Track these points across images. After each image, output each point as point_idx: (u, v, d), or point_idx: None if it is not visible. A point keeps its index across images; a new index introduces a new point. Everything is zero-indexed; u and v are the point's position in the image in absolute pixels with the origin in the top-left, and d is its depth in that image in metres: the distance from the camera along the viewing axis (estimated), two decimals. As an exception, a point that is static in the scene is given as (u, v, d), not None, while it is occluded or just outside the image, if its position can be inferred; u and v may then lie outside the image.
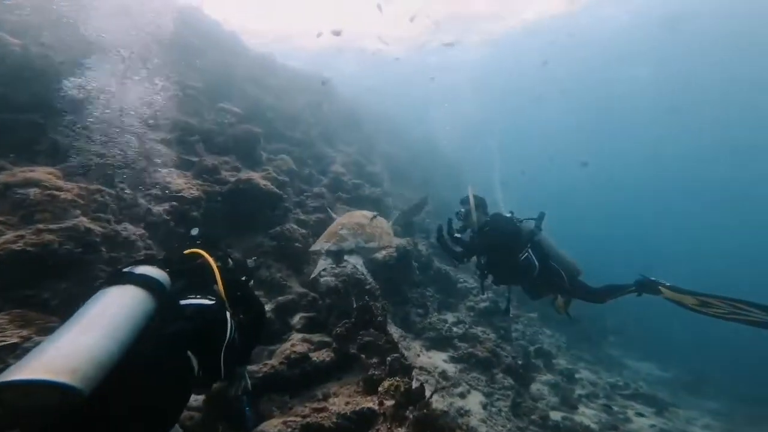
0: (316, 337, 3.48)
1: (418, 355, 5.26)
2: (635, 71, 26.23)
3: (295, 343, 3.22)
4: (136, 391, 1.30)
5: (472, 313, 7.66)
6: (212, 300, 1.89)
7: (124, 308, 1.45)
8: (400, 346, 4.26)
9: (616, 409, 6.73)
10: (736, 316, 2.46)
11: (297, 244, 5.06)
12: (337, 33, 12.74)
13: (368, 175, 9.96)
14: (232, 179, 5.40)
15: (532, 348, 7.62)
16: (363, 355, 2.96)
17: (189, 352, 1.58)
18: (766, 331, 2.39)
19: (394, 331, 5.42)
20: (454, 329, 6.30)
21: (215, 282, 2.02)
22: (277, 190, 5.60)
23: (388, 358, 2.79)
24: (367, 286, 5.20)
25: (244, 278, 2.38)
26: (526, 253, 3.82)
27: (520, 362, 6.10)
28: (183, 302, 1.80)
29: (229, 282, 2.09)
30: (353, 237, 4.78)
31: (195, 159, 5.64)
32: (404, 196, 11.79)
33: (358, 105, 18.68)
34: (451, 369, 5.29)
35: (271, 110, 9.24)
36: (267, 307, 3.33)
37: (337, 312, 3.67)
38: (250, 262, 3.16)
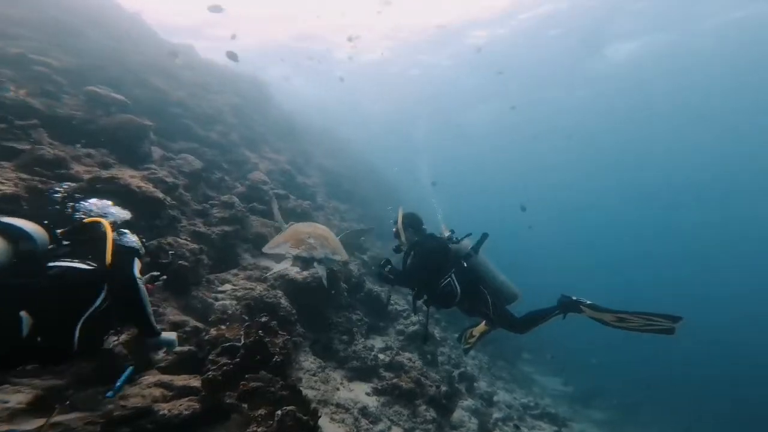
0: (181, 380, 2.66)
1: (338, 389, 4.78)
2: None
3: (142, 389, 2.41)
4: None
5: (401, 337, 7.41)
6: (90, 266, 1.72)
7: None
8: (305, 392, 3.79)
9: (525, 431, 6.90)
10: (649, 327, 2.75)
11: (182, 262, 4.09)
12: (215, 8, 10.42)
13: (298, 186, 9.34)
14: (87, 176, 4.24)
15: (456, 372, 7.57)
16: (245, 406, 2.33)
17: (23, 312, 1.41)
18: (671, 336, 2.75)
19: (312, 361, 4.89)
20: (381, 357, 5.95)
21: (104, 252, 1.84)
22: (161, 195, 4.51)
23: (279, 412, 2.18)
24: (281, 312, 4.66)
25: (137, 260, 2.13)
26: (448, 278, 3.56)
27: (444, 389, 5.92)
28: (52, 263, 1.65)
29: (120, 256, 1.94)
30: (321, 248, 4.62)
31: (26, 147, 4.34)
32: (339, 210, 11.37)
33: (298, 115, 18.00)
34: (372, 403, 4.89)
35: (180, 106, 8.18)
36: (124, 338, 2.52)
37: (224, 347, 2.93)
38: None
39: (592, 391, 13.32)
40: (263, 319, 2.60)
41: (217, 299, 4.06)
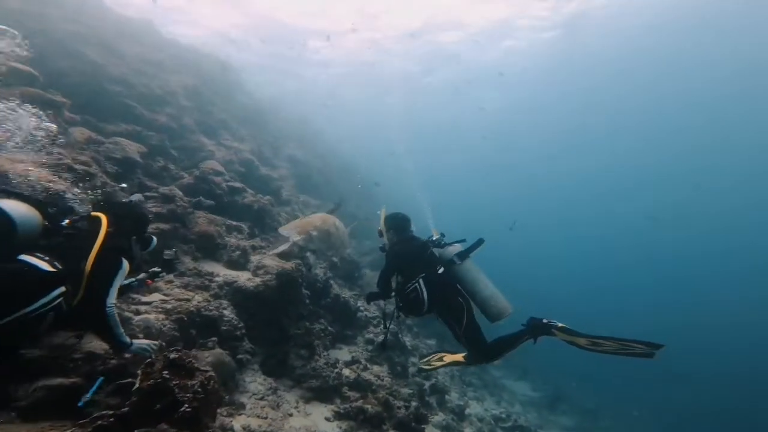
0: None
1: (291, 414, 4.07)
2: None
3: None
4: None
5: (370, 347, 6.78)
6: (52, 268, 1.69)
7: None
8: (248, 422, 3.07)
9: None
10: (625, 352, 2.70)
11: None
12: None
13: (260, 178, 8.43)
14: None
15: (427, 385, 7.04)
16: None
17: None
18: (649, 359, 2.69)
19: (261, 382, 4.16)
20: (345, 373, 5.28)
21: (89, 252, 1.86)
22: (62, 186, 3.39)
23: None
24: (224, 327, 3.91)
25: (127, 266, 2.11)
26: (415, 284, 3.24)
27: (413, 409, 5.36)
28: (22, 256, 1.66)
29: (106, 255, 1.93)
30: (320, 242, 4.94)
31: None
32: (310, 205, 10.57)
33: (273, 103, 16.90)
34: (332, 431, 4.23)
35: (121, 84, 7.11)
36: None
37: (119, 384, 2.16)
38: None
39: (556, 396, 13.29)
40: (172, 355, 1.85)
41: (138, 312, 3.25)
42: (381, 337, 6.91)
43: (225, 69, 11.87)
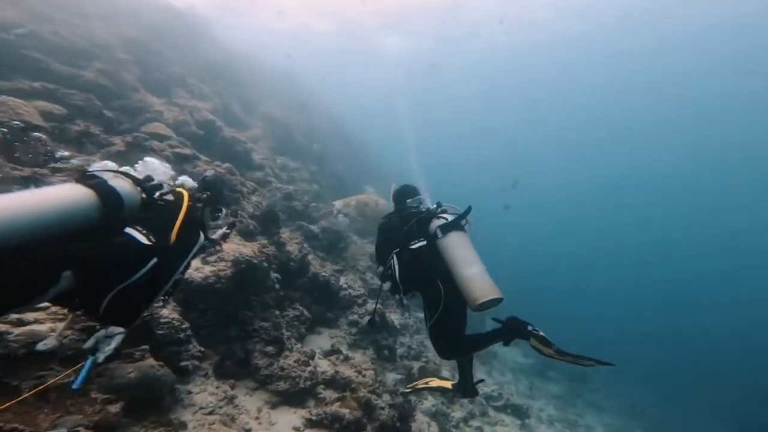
0: None
1: (249, 430, 3.39)
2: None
3: None
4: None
5: (354, 331, 6.15)
6: (150, 241, 1.84)
7: (58, 200, 1.52)
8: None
9: (487, 430, 6.34)
10: (579, 363, 2.58)
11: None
12: None
13: (223, 142, 7.23)
14: None
15: (416, 368, 6.50)
16: None
17: (67, 272, 1.49)
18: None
19: (213, 391, 3.44)
20: (322, 367, 4.62)
21: (173, 226, 1.99)
22: None
23: None
24: (161, 331, 3.10)
25: (203, 237, 2.30)
26: (390, 260, 2.88)
27: (397, 408, 4.80)
28: (128, 229, 1.81)
29: (187, 230, 2.06)
30: (355, 210, 5.55)
31: None
32: (287, 168, 9.51)
33: (246, 58, 15.02)
34: (301, 445, 3.60)
35: (26, 37, 5.70)
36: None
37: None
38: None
39: (546, 363, 13.28)
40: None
41: (22, 322, 2.39)
42: (367, 318, 6.28)
43: (178, 16, 10.17)
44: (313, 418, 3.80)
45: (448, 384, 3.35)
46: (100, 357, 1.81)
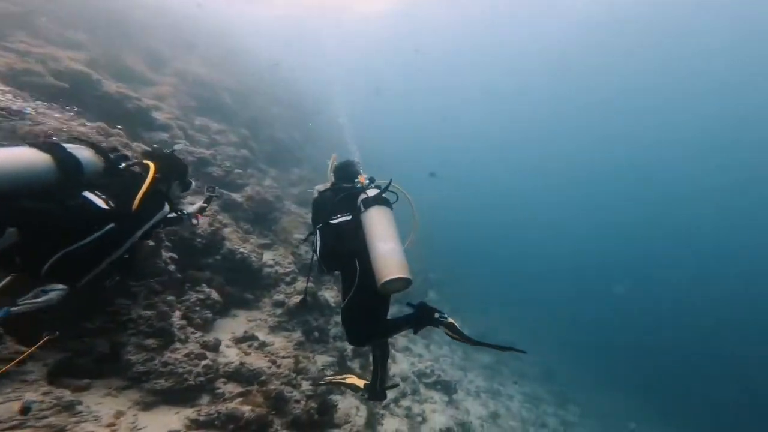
0: None
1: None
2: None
3: None
4: None
5: (279, 312, 5.48)
6: (109, 206, 1.91)
7: (12, 160, 1.61)
8: None
9: (416, 411, 6.13)
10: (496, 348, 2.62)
11: None
12: None
13: (102, 98, 5.78)
14: None
15: (349, 348, 6.03)
16: None
17: (12, 228, 1.56)
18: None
19: (37, 398, 2.61)
20: (228, 357, 3.93)
21: (136, 194, 2.04)
22: None
23: None
24: None
25: (170, 210, 2.45)
26: (314, 237, 2.82)
27: (320, 392, 4.28)
28: (86, 193, 1.89)
29: (151, 200, 2.14)
30: None
31: None
32: (208, 130, 8.22)
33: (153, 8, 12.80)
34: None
35: None
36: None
37: None
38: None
39: (482, 334, 13.71)
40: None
41: None
42: (297, 298, 5.64)
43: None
44: (201, 418, 3.12)
45: (361, 383, 3.23)
46: (18, 308, 1.73)
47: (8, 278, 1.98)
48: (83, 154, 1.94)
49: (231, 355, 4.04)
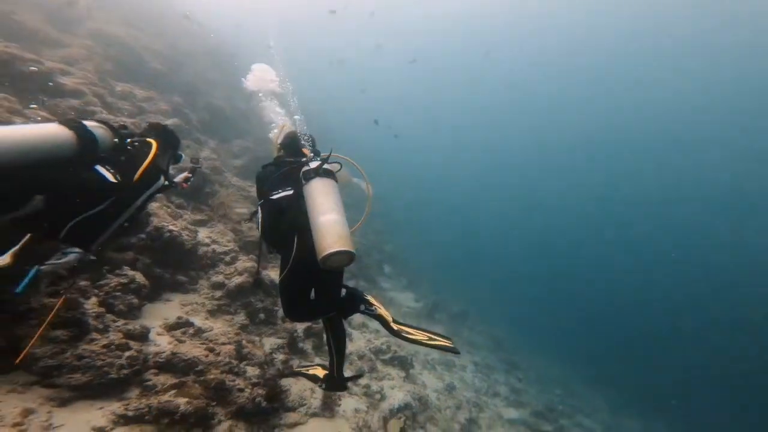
0: None
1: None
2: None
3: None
4: None
5: (218, 294, 5.06)
6: (116, 179, 2.14)
7: (35, 134, 1.81)
8: None
9: (375, 388, 6.12)
10: (432, 344, 2.68)
11: None
12: None
13: None
14: None
15: (300, 329, 5.81)
16: None
17: (39, 196, 1.81)
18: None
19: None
20: (160, 346, 3.51)
21: (138, 168, 2.31)
22: None
23: None
24: None
25: (165, 180, 2.69)
26: (257, 212, 2.71)
27: (270, 376, 4.05)
28: (98, 167, 2.11)
29: (150, 173, 2.39)
30: None
31: None
32: (132, 96, 7.17)
33: None
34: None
35: None
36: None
37: None
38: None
39: (435, 304, 14.19)
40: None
41: None
42: (238, 280, 5.24)
43: None
44: (129, 413, 2.75)
45: (322, 373, 3.08)
46: (46, 267, 2.01)
47: (25, 238, 2.16)
48: (99, 131, 2.15)
49: (163, 344, 3.62)
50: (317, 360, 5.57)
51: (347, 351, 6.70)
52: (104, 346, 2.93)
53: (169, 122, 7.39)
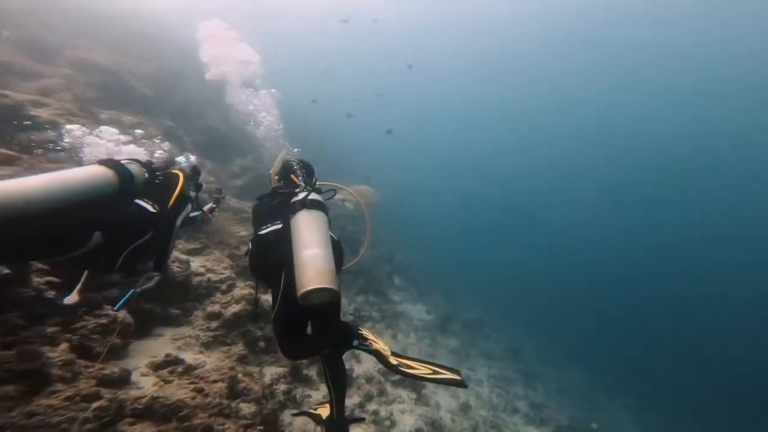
0: None
1: None
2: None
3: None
4: (32, 226, 1.72)
5: (214, 324, 4.76)
6: (155, 209, 2.35)
7: (83, 177, 1.99)
8: None
9: (384, 414, 5.74)
10: (436, 378, 2.43)
11: None
12: None
13: None
14: None
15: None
16: None
17: (98, 232, 1.98)
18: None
19: None
20: (144, 388, 3.19)
21: (170, 198, 2.54)
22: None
23: None
24: None
25: (192, 209, 2.98)
26: (247, 246, 2.62)
27: (269, 411, 3.69)
28: (137, 200, 2.30)
29: (180, 203, 2.64)
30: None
31: None
32: (122, 124, 7.12)
33: None
34: None
35: None
36: None
37: None
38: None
39: (447, 316, 13.54)
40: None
41: None
42: (235, 308, 4.93)
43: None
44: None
45: (326, 412, 2.81)
46: (139, 290, 2.37)
47: (85, 275, 2.62)
48: (133, 167, 2.34)
49: (146, 386, 3.30)
50: (323, 387, 5.20)
51: (353, 375, 6.29)
52: (67, 399, 2.62)
53: (164, 146, 7.24)
